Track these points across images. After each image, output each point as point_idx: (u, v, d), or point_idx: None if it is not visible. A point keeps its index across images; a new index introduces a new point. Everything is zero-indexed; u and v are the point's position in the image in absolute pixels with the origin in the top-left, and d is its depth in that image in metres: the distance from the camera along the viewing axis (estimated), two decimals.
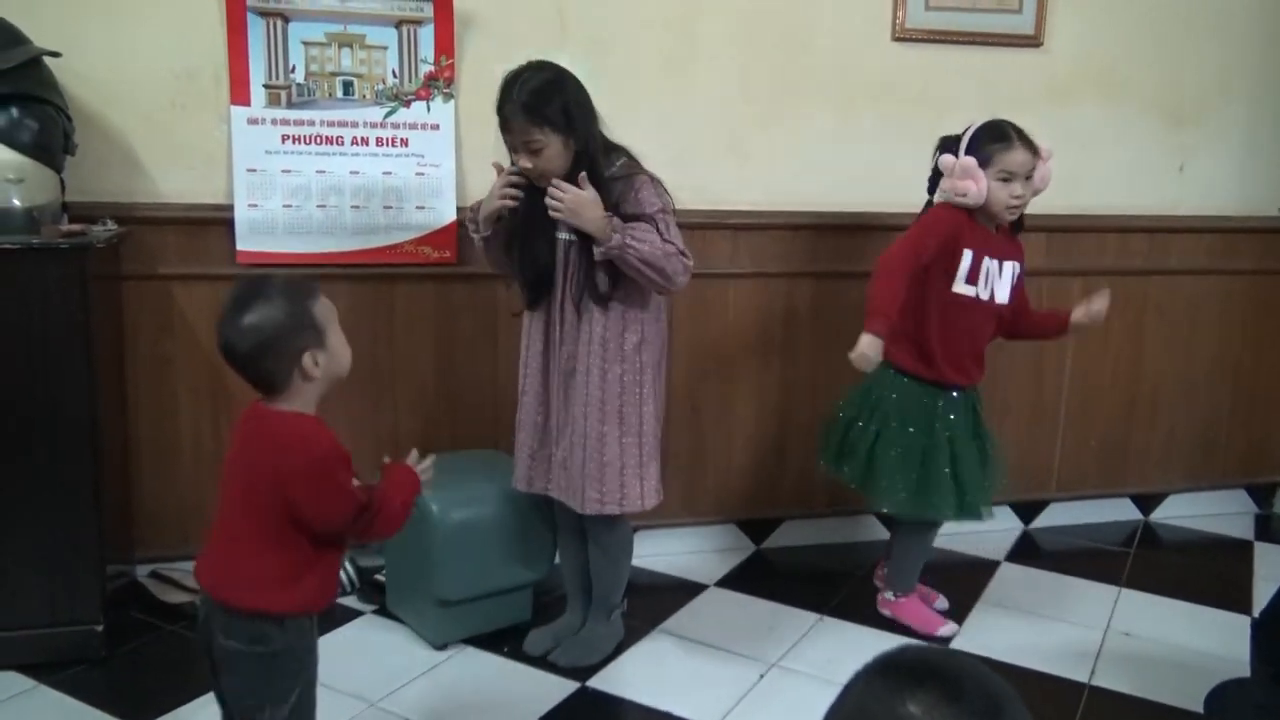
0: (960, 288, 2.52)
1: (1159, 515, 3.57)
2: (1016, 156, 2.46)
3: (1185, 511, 3.55)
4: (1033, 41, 3.12)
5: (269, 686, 1.66)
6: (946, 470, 2.53)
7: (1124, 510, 3.54)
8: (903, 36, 3.03)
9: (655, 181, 2.26)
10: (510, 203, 2.26)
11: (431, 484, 1.79)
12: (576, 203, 2.15)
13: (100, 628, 2.37)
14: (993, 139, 2.48)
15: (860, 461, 2.59)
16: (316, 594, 1.68)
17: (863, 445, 2.59)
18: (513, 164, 2.26)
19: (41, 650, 2.33)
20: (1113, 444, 3.45)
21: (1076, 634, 2.71)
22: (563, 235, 2.28)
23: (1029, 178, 2.49)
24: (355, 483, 1.63)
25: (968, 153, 2.48)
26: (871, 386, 2.60)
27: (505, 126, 2.20)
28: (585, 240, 2.22)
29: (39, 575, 2.32)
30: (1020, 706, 0.85)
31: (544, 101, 2.15)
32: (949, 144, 2.55)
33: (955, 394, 2.58)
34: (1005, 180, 2.47)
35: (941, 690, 0.82)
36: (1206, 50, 3.29)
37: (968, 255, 2.50)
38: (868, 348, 2.33)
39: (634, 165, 2.27)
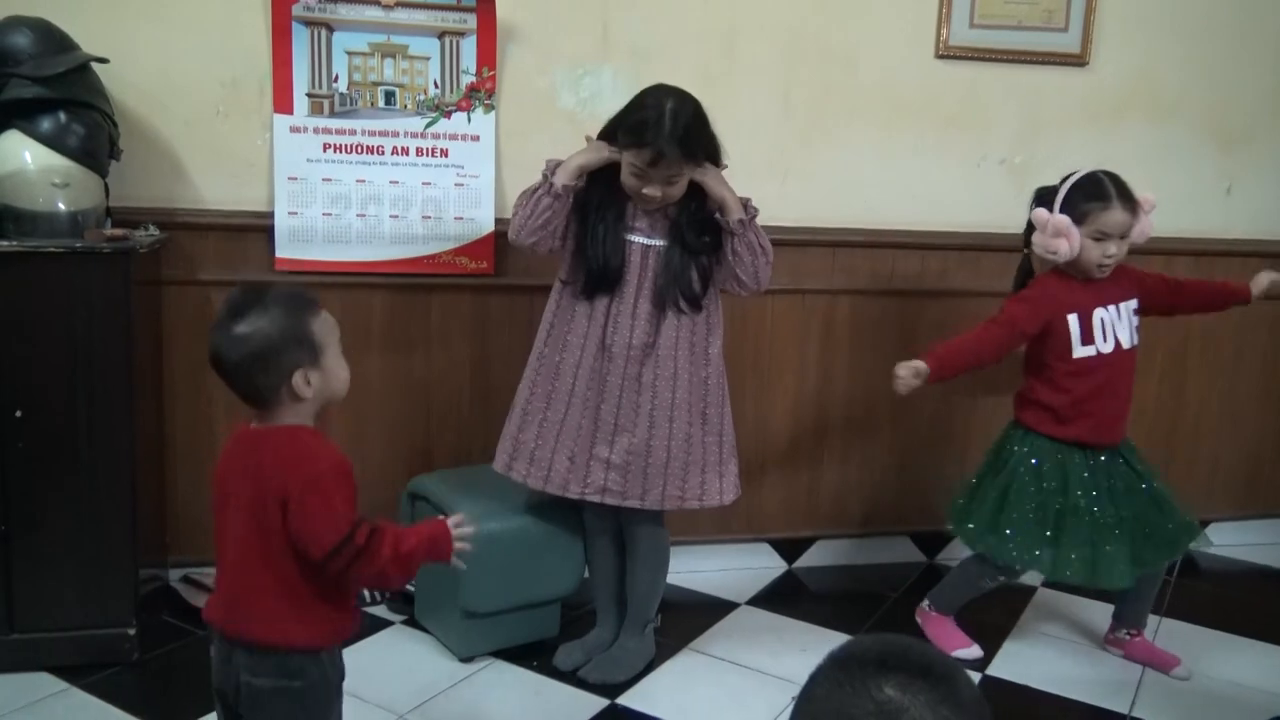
0: (1080, 352, 2.45)
1: (1200, 544, 3.49)
2: (1114, 217, 2.35)
3: (1229, 541, 3.47)
4: (1079, 60, 3.08)
5: None
6: (1085, 532, 2.41)
7: None
8: (946, 54, 3.00)
9: None
10: (617, 157, 2.23)
11: (465, 553, 1.63)
12: (717, 175, 2.26)
13: (132, 631, 2.37)
14: (1089, 198, 2.37)
15: (986, 516, 2.49)
16: (344, 621, 1.61)
17: (991, 499, 2.50)
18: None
19: (73, 652, 2.34)
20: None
21: (1116, 664, 2.65)
22: (638, 239, 2.28)
23: (1124, 236, 2.38)
24: (362, 517, 1.52)
25: (1063, 208, 2.38)
26: (1003, 445, 2.57)
27: (655, 161, 2.16)
28: (676, 243, 2.27)
29: (72, 577, 2.33)
30: (965, 673, 0.91)
31: (699, 137, 2.20)
32: (1044, 196, 2.46)
33: (1099, 455, 2.48)
34: (1099, 240, 2.38)
35: (908, 669, 0.87)
36: (1257, 71, 3.24)
37: (1073, 320, 2.44)
38: (903, 369, 2.37)
39: None
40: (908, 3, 2.97)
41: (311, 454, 1.52)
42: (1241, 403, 3.40)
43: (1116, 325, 2.47)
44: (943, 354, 2.43)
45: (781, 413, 3.06)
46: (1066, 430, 2.47)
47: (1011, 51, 3.03)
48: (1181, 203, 3.25)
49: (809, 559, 3.18)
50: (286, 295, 1.55)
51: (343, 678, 1.65)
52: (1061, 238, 2.37)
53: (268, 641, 1.54)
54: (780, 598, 2.96)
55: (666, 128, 2.13)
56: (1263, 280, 2.59)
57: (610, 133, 2.25)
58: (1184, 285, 2.62)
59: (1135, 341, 2.51)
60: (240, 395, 1.55)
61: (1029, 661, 2.64)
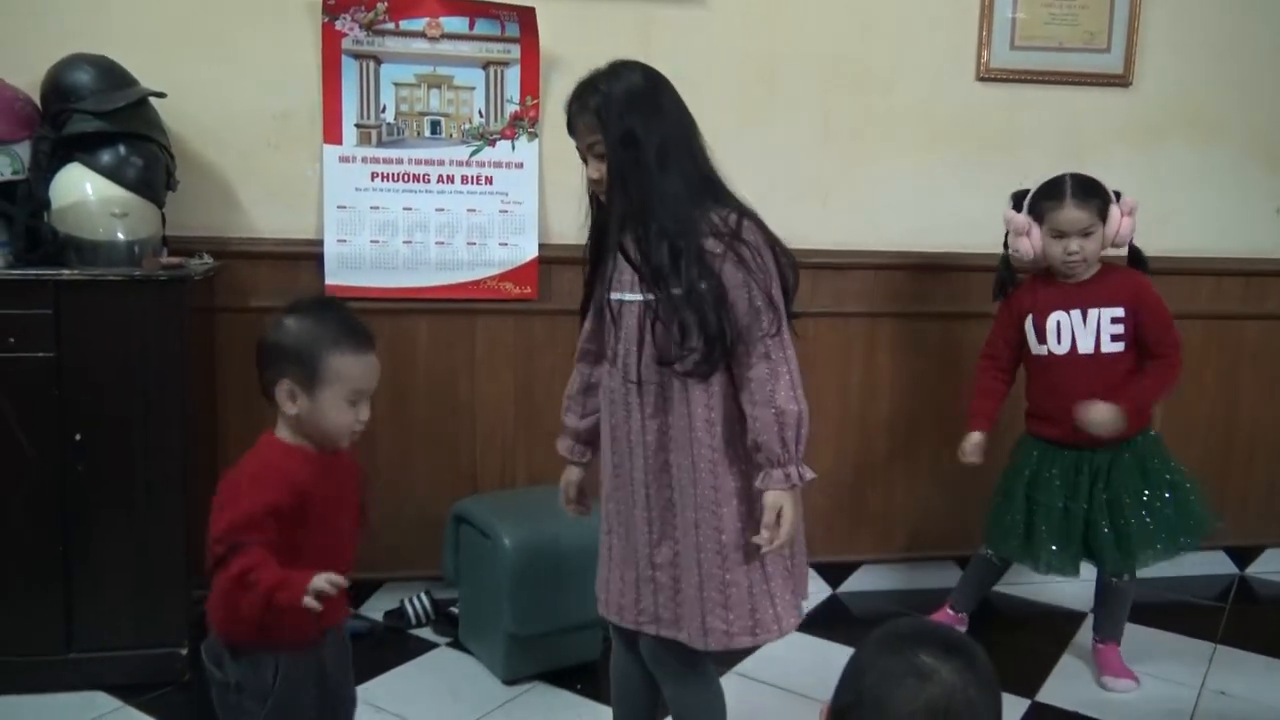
0: (1036, 349, 2.58)
1: (1256, 569, 3.42)
2: (1066, 214, 2.45)
3: None
4: (1121, 81, 3.07)
5: None
6: (1019, 518, 2.61)
7: (1219, 564, 3.40)
8: (987, 76, 3.00)
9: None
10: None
11: (317, 604, 1.43)
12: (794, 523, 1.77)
13: (185, 651, 2.41)
14: (1046, 195, 2.49)
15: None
16: (272, 629, 1.52)
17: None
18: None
19: (128, 672, 2.39)
20: (1207, 495, 3.31)
21: (1169, 691, 2.60)
22: (629, 297, 1.76)
23: (1088, 234, 2.45)
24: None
25: (1028, 210, 2.52)
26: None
27: (569, 128, 1.82)
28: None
29: (127, 598, 2.38)
30: (980, 649, 1.11)
31: (601, 90, 1.78)
32: (1018, 198, 2.57)
33: (1063, 451, 2.56)
34: (1057, 237, 2.47)
35: (940, 643, 1.09)
36: None
37: (1029, 321, 2.57)
38: (967, 443, 2.61)
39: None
40: (948, 26, 2.98)
41: (253, 456, 1.58)
42: None
43: (1078, 330, 2.50)
44: (979, 410, 2.65)
45: (824, 436, 3.05)
46: (1040, 428, 2.61)
47: (1053, 73, 3.03)
48: (1229, 224, 3.22)
49: (854, 583, 3.16)
50: (332, 319, 1.58)
51: (284, 697, 1.58)
52: (1023, 237, 2.52)
53: (210, 620, 1.60)
54: (825, 622, 2.94)
55: (573, 90, 1.78)
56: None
57: None
58: (1151, 352, 2.50)
59: (1108, 349, 2.49)
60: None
61: (1080, 687, 2.60)
